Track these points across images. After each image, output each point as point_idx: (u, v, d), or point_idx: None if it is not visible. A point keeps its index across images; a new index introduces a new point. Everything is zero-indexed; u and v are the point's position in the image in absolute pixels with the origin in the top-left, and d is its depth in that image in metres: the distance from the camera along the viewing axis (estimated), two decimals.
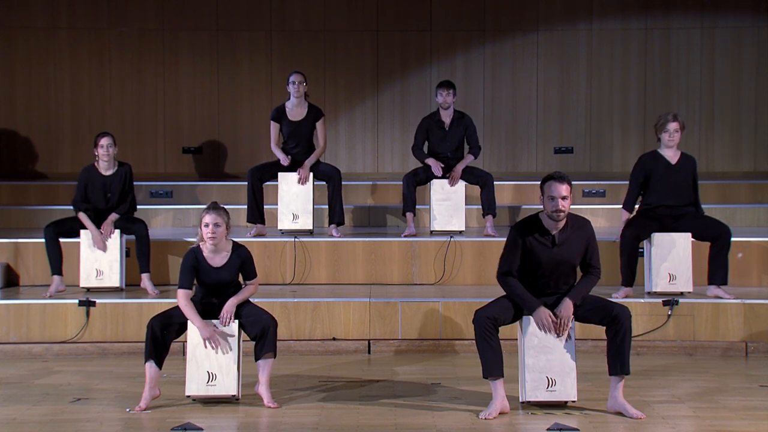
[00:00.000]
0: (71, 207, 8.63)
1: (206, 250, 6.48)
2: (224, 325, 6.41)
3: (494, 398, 6.15)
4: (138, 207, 8.92)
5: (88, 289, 8.50)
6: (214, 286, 6.49)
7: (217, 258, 6.48)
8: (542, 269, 6.22)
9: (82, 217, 8.50)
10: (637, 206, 8.36)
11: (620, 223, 8.35)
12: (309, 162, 9.33)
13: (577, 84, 11.73)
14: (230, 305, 6.43)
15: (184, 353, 6.66)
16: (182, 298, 6.41)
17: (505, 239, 6.31)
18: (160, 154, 11.64)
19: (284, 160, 9.30)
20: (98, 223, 8.53)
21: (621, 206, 8.42)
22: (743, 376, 7.24)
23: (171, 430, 5.84)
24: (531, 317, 6.22)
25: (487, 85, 11.74)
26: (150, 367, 6.31)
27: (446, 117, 9.50)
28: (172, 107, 11.66)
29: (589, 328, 6.92)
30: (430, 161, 9.35)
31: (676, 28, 11.66)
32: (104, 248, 8.46)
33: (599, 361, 6.66)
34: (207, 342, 6.36)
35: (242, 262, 6.51)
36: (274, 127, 9.43)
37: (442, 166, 9.32)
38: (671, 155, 8.22)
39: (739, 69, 11.65)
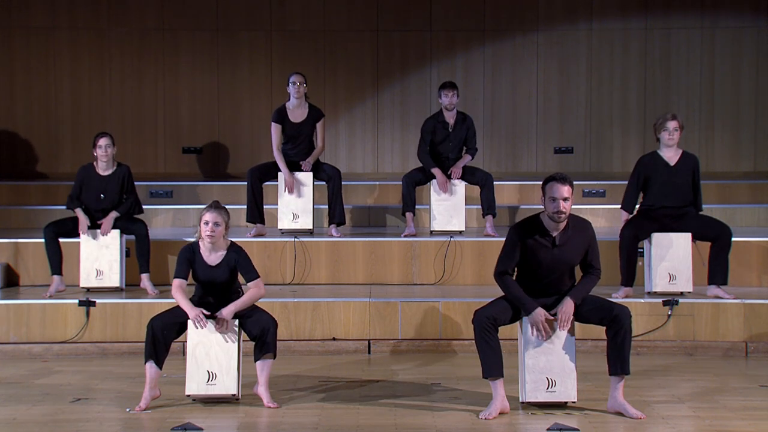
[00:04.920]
0: (66, 204, 8.61)
1: (203, 247, 6.50)
2: (214, 318, 6.38)
3: (494, 398, 6.14)
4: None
5: (88, 289, 8.50)
6: (209, 285, 6.49)
7: (213, 256, 6.49)
8: (542, 270, 6.21)
9: (79, 212, 8.49)
10: (637, 206, 8.37)
11: (621, 223, 8.35)
12: (311, 159, 9.33)
13: (577, 84, 11.73)
14: (227, 311, 6.38)
15: (184, 353, 6.66)
16: (176, 286, 6.42)
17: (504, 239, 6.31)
18: (160, 154, 11.64)
19: (287, 176, 9.27)
20: (90, 223, 8.52)
21: (620, 207, 8.44)
22: (743, 376, 7.24)
23: (171, 430, 5.84)
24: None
25: (487, 85, 11.74)
26: (150, 367, 6.31)
27: (450, 118, 9.46)
28: (172, 107, 11.66)
29: (589, 328, 6.91)
30: (436, 172, 9.32)
31: (676, 28, 11.65)
32: (86, 232, 8.43)
33: (599, 361, 6.66)
34: (195, 322, 6.31)
35: (237, 261, 6.49)
36: (276, 129, 9.39)
37: (447, 181, 9.26)
38: (671, 155, 8.21)
39: (739, 69, 11.64)
